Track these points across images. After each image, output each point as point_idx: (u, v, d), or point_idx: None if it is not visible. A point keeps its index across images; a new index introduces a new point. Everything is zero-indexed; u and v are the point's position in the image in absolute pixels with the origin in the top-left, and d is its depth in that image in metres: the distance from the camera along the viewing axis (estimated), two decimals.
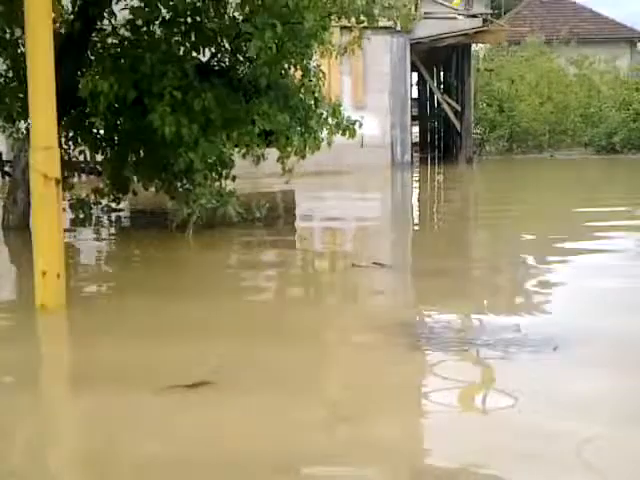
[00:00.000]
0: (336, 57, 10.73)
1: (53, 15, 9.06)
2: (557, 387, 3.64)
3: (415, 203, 13.87)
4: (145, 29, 8.75)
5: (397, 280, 6.37)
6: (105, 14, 8.65)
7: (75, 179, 11.75)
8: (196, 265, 7.27)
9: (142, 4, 8.35)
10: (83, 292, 6.06)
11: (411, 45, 18.55)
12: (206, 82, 8.71)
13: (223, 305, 5.40)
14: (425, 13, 18.49)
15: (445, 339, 4.35)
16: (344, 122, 9.96)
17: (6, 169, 10.88)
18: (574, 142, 22.03)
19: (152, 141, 8.54)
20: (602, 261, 6.94)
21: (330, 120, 9.97)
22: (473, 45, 21.96)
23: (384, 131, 18.65)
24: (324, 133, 10.07)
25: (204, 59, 9.39)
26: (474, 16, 18.93)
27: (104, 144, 9.36)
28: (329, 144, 10.02)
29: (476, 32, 18.59)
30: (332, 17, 9.35)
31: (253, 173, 11.55)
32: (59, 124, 9.26)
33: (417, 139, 24.70)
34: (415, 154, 22.13)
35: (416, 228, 10.40)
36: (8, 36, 8.99)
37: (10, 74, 9.26)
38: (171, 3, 8.48)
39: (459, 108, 20.09)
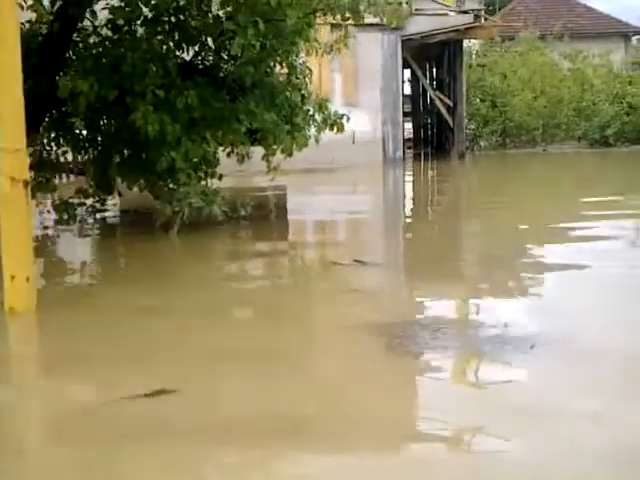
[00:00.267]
0: (322, 55, 10.64)
1: (34, 15, 9.09)
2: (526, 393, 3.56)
3: (404, 200, 13.80)
4: (127, 28, 8.69)
5: (376, 278, 6.27)
6: (86, 14, 8.57)
7: (64, 180, 11.73)
8: (176, 265, 7.21)
9: (122, 4, 8.27)
10: (57, 294, 5.98)
11: (402, 42, 18.46)
12: (189, 80, 8.66)
13: (195, 306, 5.29)
14: (416, 9, 18.36)
15: (420, 339, 4.29)
16: (331, 117, 9.93)
17: None
18: (567, 136, 21.93)
19: (135, 141, 8.48)
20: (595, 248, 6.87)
21: (317, 116, 9.94)
22: (467, 41, 21.88)
23: (376, 127, 18.57)
24: (312, 130, 10.04)
25: (188, 57, 9.34)
26: (465, 12, 18.83)
27: (87, 144, 9.29)
28: (317, 141, 9.99)
29: (467, 28, 18.49)
30: (317, 14, 9.27)
31: (242, 171, 11.51)
32: (40, 125, 9.30)
33: (411, 135, 24.63)
34: (409, 150, 22.06)
35: (402, 225, 10.34)
36: None
37: None
38: (153, 2, 8.42)
39: (451, 104, 20.01)
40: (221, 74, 9.19)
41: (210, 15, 9.04)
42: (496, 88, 22.05)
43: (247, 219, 9.06)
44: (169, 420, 3.31)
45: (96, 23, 8.81)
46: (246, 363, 4.06)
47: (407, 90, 24.19)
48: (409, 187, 15.78)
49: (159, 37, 8.90)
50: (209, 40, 9.22)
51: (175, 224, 8.31)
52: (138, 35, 8.78)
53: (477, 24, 18.58)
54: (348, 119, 9.95)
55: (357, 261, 6.40)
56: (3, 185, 4.74)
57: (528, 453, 2.91)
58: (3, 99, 4.83)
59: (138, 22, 8.70)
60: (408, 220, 10.81)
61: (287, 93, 9.55)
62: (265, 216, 9.91)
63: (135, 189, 9.22)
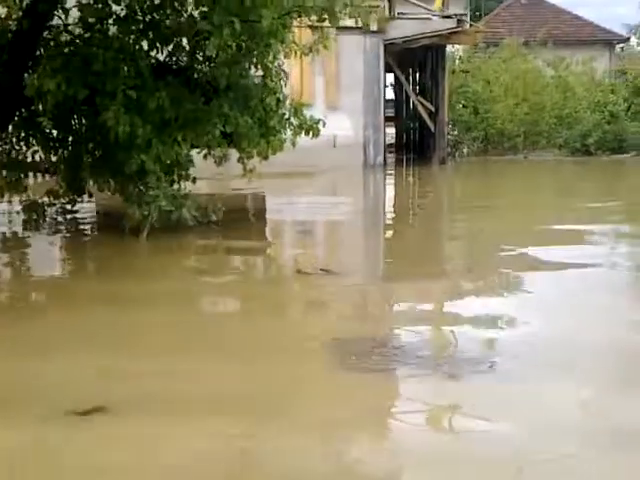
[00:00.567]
0: (301, 56, 10.50)
1: (4, 11, 8.91)
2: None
3: (379, 206, 13.67)
4: (99, 26, 8.52)
5: (340, 289, 6.01)
6: (58, 11, 8.40)
7: (39, 179, 11.54)
8: (139, 272, 6.99)
9: (91, 1, 8.10)
10: (9, 301, 5.79)
11: (385, 46, 18.35)
12: (162, 81, 8.51)
13: (145, 319, 5.06)
14: (399, 13, 18.32)
15: (377, 357, 4.09)
16: (307, 122, 9.80)
17: None
18: (549, 144, 21.91)
19: (106, 141, 8.31)
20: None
21: (293, 120, 9.81)
22: (451, 46, 21.81)
23: (357, 131, 18.45)
24: (288, 133, 9.92)
25: (162, 58, 9.18)
26: (448, 17, 18.75)
27: (57, 144, 9.10)
28: (293, 144, 9.86)
29: (450, 33, 18.39)
30: (292, 15, 9.13)
31: (221, 174, 11.35)
32: (9, 124, 9.11)
33: (393, 140, 24.55)
34: (391, 155, 21.97)
35: (375, 232, 10.18)
36: None
37: None
38: (123, 1, 8.26)
39: (433, 109, 19.93)
40: (195, 75, 9.04)
41: (185, 14, 8.90)
42: (478, 94, 22.02)
43: (218, 224, 8.88)
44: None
45: (69, 21, 8.65)
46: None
47: (391, 95, 24.15)
48: (386, 193, 15.69)
49: (132, 36, 8.74)
50: (184, 40, 9.08)
51: (145, 228, 8.14)
52: (110, 34, 8.61)
53: (460, 29, 18.48)
54: (324, 124, 9.82)
55: (323, 270, 6.21)
56: None
57: None
58: None
59: (110, 20, 8.54)
60: (381, 228, 10.68)
61: (262, 96, 9.41)
62: (238, 221, 9.72)
63: (106, 191, 9.05)
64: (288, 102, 9.92)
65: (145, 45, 8.87)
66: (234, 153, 9.71)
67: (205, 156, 9.58)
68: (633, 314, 5.32)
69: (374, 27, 17.17)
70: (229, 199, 9.85)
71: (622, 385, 3.89)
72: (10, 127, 9.17)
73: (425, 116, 20.00)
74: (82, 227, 9.86)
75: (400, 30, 18.15)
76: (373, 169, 18.21)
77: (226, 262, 7.69)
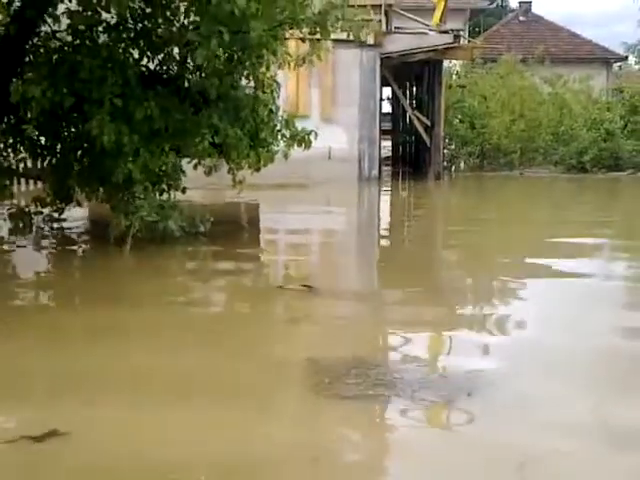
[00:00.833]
0: (295, 68, 10.43)
1: None
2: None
3: (371, 221, 13.54)
4: (88, 34, 8.44)
5: (319, 307, 5.77)
6: (45, 17, 8.32)
7: (31, 187, 11.44)
8: (118, 284, 6.82)
9: (80, 8, 8.03)
10: None
11: (382, 59, 18.32)
12: (150, 90, 8.41)
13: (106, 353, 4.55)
14: (396, 27, 18.32)
15: (353, 382, 3.93)
16: (299, 133, 9.72)
17: None
18: (545, 160, 21.89)
19: (93, 150, 8.22)
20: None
21: (285, 132, 9.74)
22: (448, 61, 21.81)
23: (352, 144, 18.40)
24: (280, 145, 9.84)
25: (153, 67, 9.10)
26: (445, 32, 18.74)
27: (45, 152, 9.00)
28: (285, 156, 9.78)
29: (447, 48, 18.38)
30: (284, 27, 9.06)
31: (214, 184, 11.24)
32: None
33: (389, 153, 24.53)
34: (387, 168, 21.92)
35: (364, 248, 10.01)
36: None
37: None
38: (114, 8, 8.18)
39: (429, 124, 19.90)
40: (185, 85, 8.96)
41: (177, 24, 8.83)
42: (475, 109, 22.01)
43: (206, 235, 8.76)
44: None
45: (58, 28, 8.57)
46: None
47: (388, 108, 24.14)
48: (379, 208, 15.59)
49: (122, 44, 8.66)
50: (175, 50, 9.00)
51: (128, 239, 8.02)
52: (100, 42, 8.53)
53: (457, 44, 18.47)
54: (316, 135, 9.74)
55: (305, 286, 6.04)
56: None
57: None
58: None
59: (100, 28, 8.47)
60: (371, 242, 10.57)
61: (254, 107, 9.33)
62: (227, 232, 9.61)
63: (92, 199, 8.95)
64: (280, 114, 9.85)
65: (136, 54, 8.79)
66: (224, 163, 9.62)
67: (195, 166, 9.49)
68: (626, 321, 5.51)
69: (371, 41, 17.17)
70: (222, 209, 9.70)
71: (619, 388, 3.99)
72: None
73: (421, 130, 19.97)
74: (68, 236, 9.72)
75: (397, 44, 18.14)
76: (368, 182, 18.14)
77: (209, 275, 7.52)
